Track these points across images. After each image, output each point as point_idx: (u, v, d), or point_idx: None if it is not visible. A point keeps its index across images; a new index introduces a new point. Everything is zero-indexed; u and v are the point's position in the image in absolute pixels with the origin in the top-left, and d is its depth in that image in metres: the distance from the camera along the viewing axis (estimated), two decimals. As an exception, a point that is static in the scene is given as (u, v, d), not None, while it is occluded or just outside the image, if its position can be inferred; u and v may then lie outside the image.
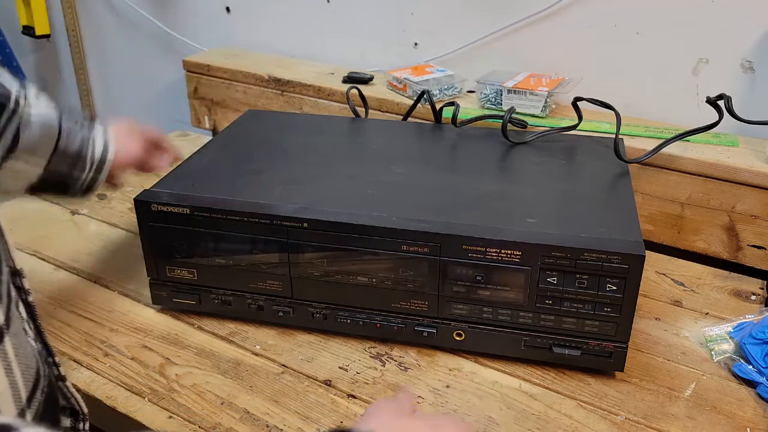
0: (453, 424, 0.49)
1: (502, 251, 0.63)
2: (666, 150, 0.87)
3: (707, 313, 0.78)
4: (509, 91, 1.00)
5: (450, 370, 0.69)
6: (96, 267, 0.85)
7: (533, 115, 0.99)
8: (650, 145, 0.88)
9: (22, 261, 0.86)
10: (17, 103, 0.63)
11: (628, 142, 0.91)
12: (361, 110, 1.00)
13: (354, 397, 0.65)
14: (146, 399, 0.64)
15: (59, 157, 0.67)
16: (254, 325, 0.75)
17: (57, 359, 0.50)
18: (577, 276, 0.63)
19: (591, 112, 0.96)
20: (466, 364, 0.69)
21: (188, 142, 1.26)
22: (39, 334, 0.49)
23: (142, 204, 0.70)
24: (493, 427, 0.62)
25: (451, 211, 0.67)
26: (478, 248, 0.64)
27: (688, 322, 0.76)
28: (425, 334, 0.69)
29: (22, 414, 0.41)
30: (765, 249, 0.87)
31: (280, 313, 0.73)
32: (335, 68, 1.23)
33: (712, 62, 0.95)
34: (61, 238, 0.92)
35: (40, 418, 0.43)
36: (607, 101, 0.87)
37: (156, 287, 0.75)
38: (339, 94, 1.12)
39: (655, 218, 0.93)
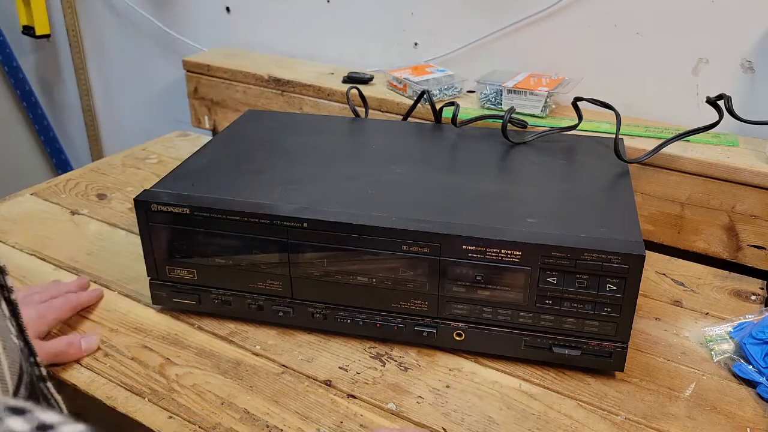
0: None
1: (502, 251, 0.63)
2: (666, 150, 0.87)
3: (707, 313, 0.78)
4: (509, 91, 1.00)
5: (450, 370, 0.69)
6: (96, 267, 0.85)
7: (533, 115, 0.99)
8: (650, 145, 0.88)
9: (22, 261, 0.87)
10: None
11: (628, 142, 0.91)
12: (361, 110, 1.00)
13: (354, 397, 0.65)
14: (146, 399, 0.64)
15: None
16: (254, 325, 0.75)
17: (38, 359, 0.50)
18: (577, 276, 0.63)
19: (591, 112, 0.96)
20: (466, 364, 0.69)
21: (188, 142, 1.26)
22: (21, 333, 0.48)
23: (142, 204, 0.70)
24: (493, 427, 0.62)
25: (451, 211, 0.67)
26: (478, 248, 0.64)
27: (688, 322, 0.76)
28: (425, 334, 0.69)
29: None
30: (765, 249, 0.87)
31: (280, 313, 0.73)
32: (335, 68, 1.23)
33: (712, 62, 0.95)
34: (61, 238, 0.92)
35: None
36: (607, 101, 0.87)
37: (156, 287, 0.75)
38: (339, 94, 1.12)
39: (655, 218, 0.93)
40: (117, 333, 0.73)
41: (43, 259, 0.87)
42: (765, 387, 0.65)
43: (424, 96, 0.97)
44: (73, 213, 0.99)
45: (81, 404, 0.65)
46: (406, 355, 0.71)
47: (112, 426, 0.66)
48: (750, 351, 0.68)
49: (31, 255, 0.88)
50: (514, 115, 0.92)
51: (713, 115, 0.83)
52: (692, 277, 0.85)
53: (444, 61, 1.16)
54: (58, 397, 0.52)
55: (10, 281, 0.46)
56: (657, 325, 0.76)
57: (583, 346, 0.66)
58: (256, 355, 0.70)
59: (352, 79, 1.15)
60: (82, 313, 0.76)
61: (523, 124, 0.95)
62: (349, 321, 0.71)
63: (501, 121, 0.86)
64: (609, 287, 0.62)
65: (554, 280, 0.63)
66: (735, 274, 0.86)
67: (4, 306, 0.46)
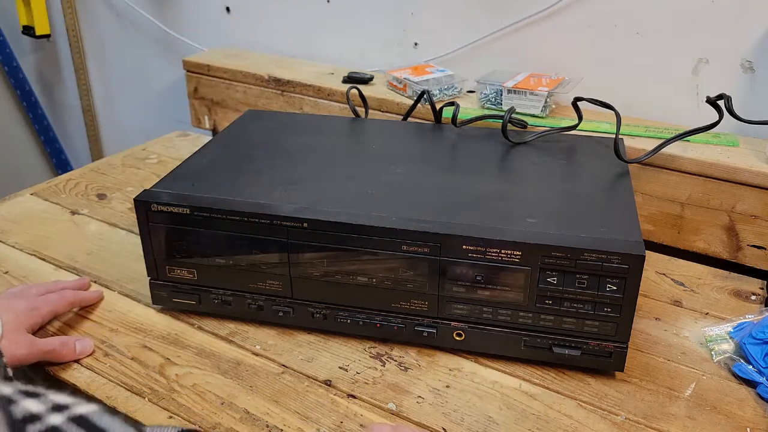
0: None
1: (502, 251, 0.63)
2: (666, 150, 0.87)
3: (707, 313, 0.78)
4: (509, 91, 1.00)
5: (450, 370, 0.69)
6: (96, 267, 0.85)
7: (533, 115, 0.99)
8: (650, 145, 0.88)
9: (22, 261, 0.87)
10: None
11: (628, 142, 0.91)
12: (361, 110, 1.00)
13: (354, 397, 0.65)
14: (146, 399, 0.64)
15: None
16: (254, 325, 0.75)
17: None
18: (577, 276, 0.63)
19: (591, 112, 0.96)
20: (466, 364, 0.69)
21: (188, 142, 1.26)
22: None
23: (142, 204, 0.70)
24: (493, 427, 0.62)
25: (451, 211, 0.67)
26: (478, 248, 0.64)
27: (688, 322, 0.76)
28: (425, 334, 0.69)
29: None
30: (765, 249, 0.87)
31: (280, 313, 0.73)
32: (335, 68, 1.23)
33: (712, 62, 0.95)
34: (61, 238, 0.92)
35: None
36: (607, 101, 0.87)
37: (156, 287, 0.75)
38: (339, 94, 1.12)
39: (655, 218, 0.93)
40: (117, 333, 0.73)
41: (43, 259, 0.87)
42: (765, 387, 0.65)
43: (424, 96, 0.97)
44: (73, 213, 0.99)
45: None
46: (406, 355, 0.71)
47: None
48: (750, 351, 0.68)
49: (31, 255, 0.88)
50: (514, 115, 0.92)
51: (713, 115, 0.83)
52: (692, 277, 0.85)
53: (444, 61, 1.16)
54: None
55: None
56: (657, 325, 0.76)
57: (583, 346, 0.66)
58: (256, 355, 0.70)
59: (352, 79, 1.15)
60: (82, 313, 0.76)
61: (523, 124, 0.95)
62: (349, 321, 0.71)
63: (501, 121, 0.86)
64: (609, 287, 0.62)
65: (554, 280, 0.63)
66: (735, 274, 0.86)
67: None
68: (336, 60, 1.27)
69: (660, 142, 0.87)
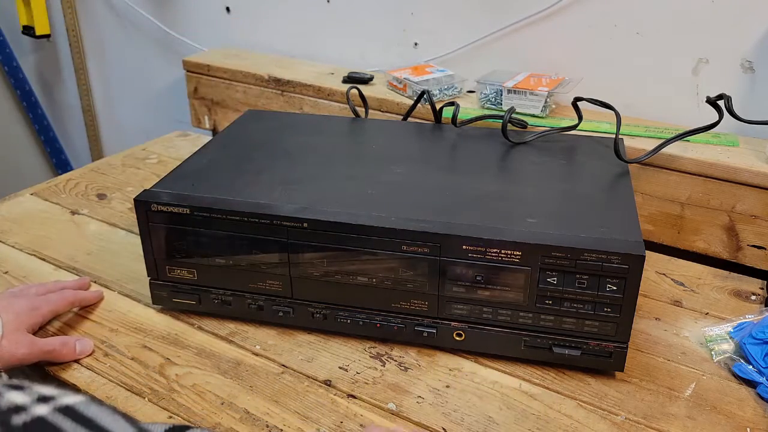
0: None
1: (502, 251, 0.63)
2: (666, 150, 0.87)
3: (707, 313, 0.78)
4: (509, 91, 1.00)
5: (450, 370, 0.69)
6: (96, 267, 0.85)
7: (533, 115, 0.99)
8: (650, 145, 0.88)
9: (22, 261, 0.87)
10: None
11: (628, 142, 0.91)
12: (361, 110, 1.00)
13: (354, 397, 0.65)
14: (146, 399, 0.64)
15: None
16: (254, 325, 0.75)
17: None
18: (577, 276, 0.63)
19: (591, 112, 0.96)
20: (466, 364, 0.69)
21: (188, 142, 1.26)
22: None
23: (142, 204, 0.70)
24: (493, 427, 0.62)
25: (451, 211, 0.67)
26: (478, 248, 0.64)
27: (688, 322, 0.76)
28: (425, 334, 0.69)
29: None
30: (765, 249, 0.87)
31: (280, 313, 0.73)
32: (335, 68, 1.23)
33: (712, 62, 0.95)
34: (61, 238, 0.92)
35: None
36: (607, 101, 0.87)
37: (156, 287, 0.75)
38: (339, 94, 1.12)
39: (655, 218, 0.93)
40: (117, 333, 0.73)
41: (43, 259, 0.87)
42: (765, 387, 0.65)
43: (424, 96, 0.97)
44: (73, 213, 0.99)
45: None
46: (406, 355, 0.71)
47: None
48: (750, 351, 0.68)
49: (31, 255, 0.88)
50: (514, 115, 0.92)
51: (713, 115, 0.83)
52: (692, 277, 0.85)
53: (444, 61, 1.16)
54: None
55: None
56: (657, 325, 0.76)
57: (583, 346, 0.66)
58: (256, 355, 0.70)
59: (352, 79, 1.15)
60: (82, 313, 0.76)
61: (523, 124, 0.95)
62: (349, 321, 0.71)
63: (501, 121, 0.86)
64: (609, 287, 0.62)
65: (554, 280, 0.63)
66: (735, 274, 0.86)
67: None
68: (336, 60, 1.27)
69: (660, 142, 0.87)
